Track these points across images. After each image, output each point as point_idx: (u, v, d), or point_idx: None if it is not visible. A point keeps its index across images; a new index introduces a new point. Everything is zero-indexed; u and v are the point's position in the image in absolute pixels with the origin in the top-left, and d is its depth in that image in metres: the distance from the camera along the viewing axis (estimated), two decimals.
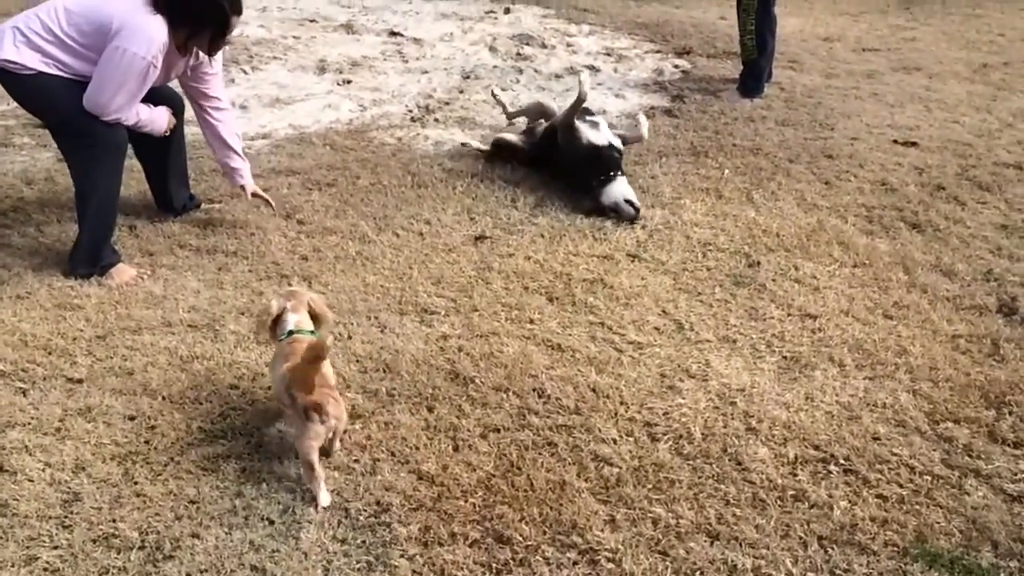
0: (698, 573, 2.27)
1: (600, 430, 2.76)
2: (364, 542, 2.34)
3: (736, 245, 3.99)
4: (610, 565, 2.28)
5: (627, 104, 6.08)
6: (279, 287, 3.48)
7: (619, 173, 4.33)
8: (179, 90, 3.88)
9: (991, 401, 2.94)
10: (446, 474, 2.57)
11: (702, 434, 2.76)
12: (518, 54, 7.27)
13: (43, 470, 2.55)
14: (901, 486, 2.57)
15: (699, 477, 2.59)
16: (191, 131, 4.65)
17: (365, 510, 2.44)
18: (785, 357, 3.18)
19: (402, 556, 2.29)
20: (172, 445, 2.66)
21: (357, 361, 3.09)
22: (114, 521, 2.38)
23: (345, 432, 2.69)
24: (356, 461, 2.62)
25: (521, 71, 6.80)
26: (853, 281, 3.71)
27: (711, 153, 5.09)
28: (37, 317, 3.30)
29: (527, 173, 4.72)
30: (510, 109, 5.42)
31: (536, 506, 2.46)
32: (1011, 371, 3.10)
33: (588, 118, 4.60)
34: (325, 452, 2.60)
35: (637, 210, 4.18)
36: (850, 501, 2.51)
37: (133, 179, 4.15)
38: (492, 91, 5.59)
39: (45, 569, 2.24)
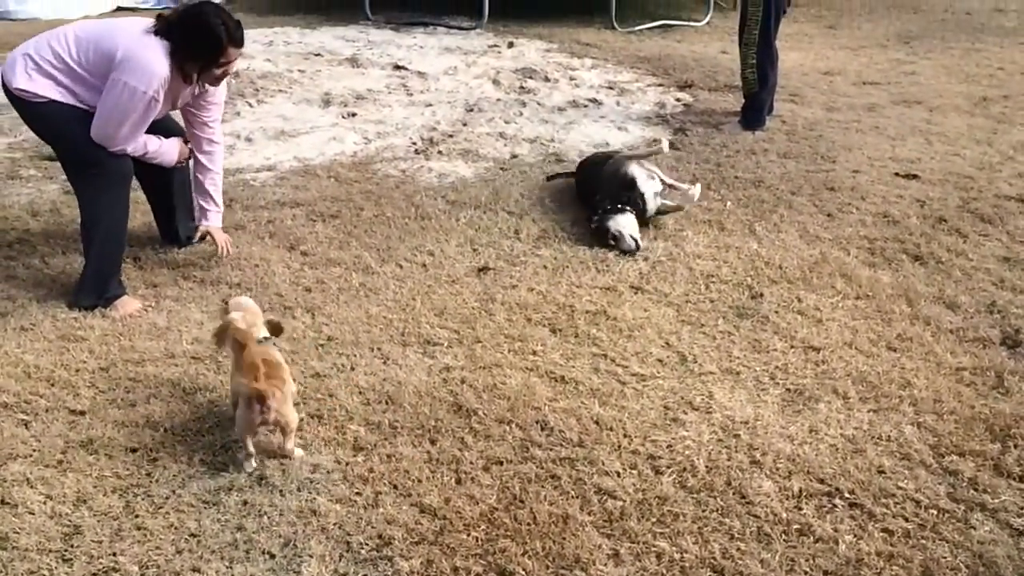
0: None
1: (603, 463, 2.75)
2: None
3: (739, 277, 4.00)
4: None
5: (629, 137, 6.12)
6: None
7: (633, 213, 4.36)
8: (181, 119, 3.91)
9: (996, 434, 2.93)
10: (448, 507, 2.56)
11: (706, 467, 2.75)
12: (521, 87, 7.33)
13: (44, 503, 2.54)
14: (907, 520, 2.55)
15: (703, 511, 2.57)
16: None
17: (367, 544, 2.43)
18: (789, 389, 3.18)
19: None
20: (174, 478, 2.65)
21: (360, 393, 3.08)
22: (114, 555, 2.37)
23: (347, 465, 2.68)
24: (358, 494, 2.61)
25: (524, 104, 6.85)
26: (856, 313, 3.70)
27: (713, 185, 5.12)
28: (41, 349, 3.31)
29: (530, 204, 4.74)
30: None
31: (539, 540, 2.44)
32: (1016, 404, 3.09)
33: (648, 167, 4.67)
34: (282, 453, 2.71)
35: (638, 247, 4.20)
36: (855, 535, 2.49)
37: (138, 211, 4.17)
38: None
39: None
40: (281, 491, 2.60)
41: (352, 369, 3.23)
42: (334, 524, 2.48)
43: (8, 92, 3.44)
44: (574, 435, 2.88)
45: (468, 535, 2.46)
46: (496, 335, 3.48)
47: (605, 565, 2.36)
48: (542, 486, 2.65)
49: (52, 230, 4.28)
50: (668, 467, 2.74)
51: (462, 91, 7.19)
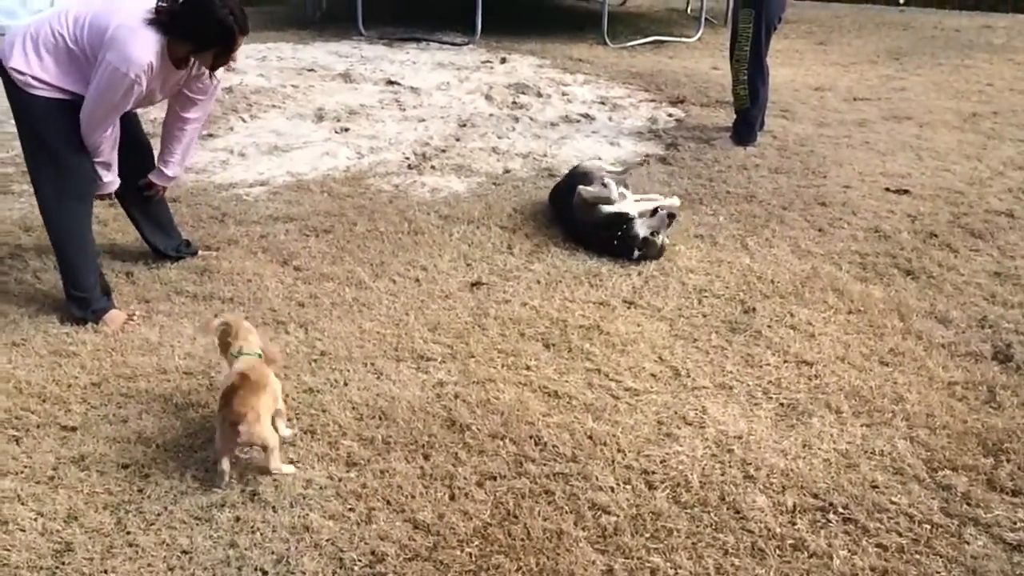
0: None
1: (597, 478, 2.75)
2: None
3: (731, 292, 4.01)
4: None
5: (622, 151, 6.14)
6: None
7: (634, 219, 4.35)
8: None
9: (989, 448, 2.93)
10: (442, 523, 2.55)
11: (700, 482, 2.75)
12: (514, 103, 7.36)
13: (35, 519, 2.52)
14: (900, 535, 2.55)
15: (697, 526, 2.57)
16: (191, 177, 4.68)
17: (360, 560, 2.41)
18: (782, 404, 3.18)
19: None
20: (166, 494, 2.63)
21: (353, 408, 3.07)
22: (106, 572, 2.35)
23: (340, 481, 2.67)
24: (351, 510, 2.59)
25: (517, 119, 6.88)
26: (848, 328, 3.72)
27: (705, 200, 5.14)
28: (32, 364, 3.29)
29: (523, 219, 4.75)
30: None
31: (533, 556, 2.43)
32: (1008, 418, 3.10)
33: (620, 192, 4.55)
34: (266, 471, 2.69)
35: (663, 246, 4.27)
36: (849, 550, 2.49)
37: (130, 226, 4.16)
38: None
39: None
40: (274, 507, 2.59)
41: (345, 384, 3.22)
42: (327, 540, 2.47)
43: (2, 69, 3.38)
44: (568, 450, 2.88)
45: (462, 551, 2.45)
46: (489, 350, 3.48)
47: None
48: (536, 501, 2.65)
49: (44, 245, 4.25)
50: (662, 482, 2.74)
51: (455, 106, 7.21)
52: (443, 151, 6.02)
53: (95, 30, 3.30)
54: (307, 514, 2.56)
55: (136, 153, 3.81)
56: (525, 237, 4.55)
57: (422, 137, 6.33)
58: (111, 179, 3.62)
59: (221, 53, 3.42)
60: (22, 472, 2.71)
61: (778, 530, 2.55)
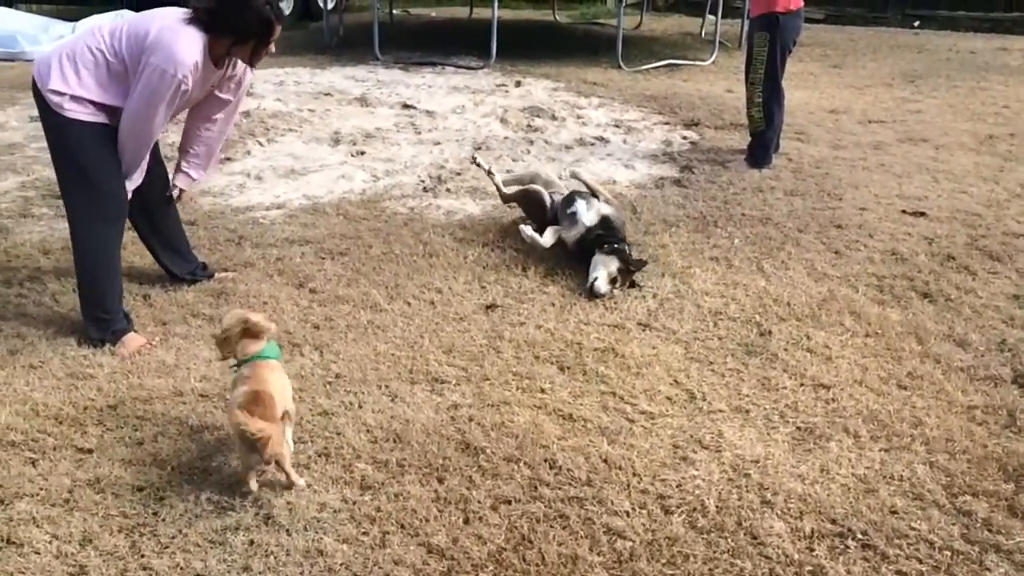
0: None
1: (613, 502, 2.73)
2: None
3: (747, 314, 3.99)
4: None
5: (636, 174, 6.15)
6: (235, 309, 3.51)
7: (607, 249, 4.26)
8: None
9: (1009, 474, 2.89)
10: (456, 547, 2.53)
11: (716, 507, 2.72)
12: (529, 126, 7.40)
13: (50, 542, 2.52)
14: (921, 562, 2.51)
15: (714, 551, 2.54)
16: (208, 200, 4.71)
17: None
18: (799, 428, 3.15)
19: None
20: (180, 517, 2.63)
21: (367, 431, 3.07)
22: None
23: (355, 504, 2.67)
24: (365, 533, 2.58)
25: (532, 142, 6.91)
26: (865, 351, 3.69)
27: (720, 223, 5.13)
28: (49, 386, 3.31)
29: None
30: (501, 182, 5.06)
31: None
32: None
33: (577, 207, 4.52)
34: (284, 486, 2.73)
35: (598, 294, 4.12)
36: None
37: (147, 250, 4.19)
38: (473, 158, 5.37)
39: None
40: (288, 531, 2.59)
41: (360, 407, 3.22)
42: (341, 564, 2.46)
43: (38, 93, 3.42)
44: (583, 474, 2.86)
45: None
46: (504, 373, 3.47)
47: None
48: (551, 526, 2.63)
49: (64, 268, 4.30)
50: (678, 507, 2.72)
51: (470, 129, 7.25)
52: (458, 174, 6.05)
53: (133, 39, 3.34)
54: (321, 538, 2.55)
55: (153, 177, 3.84)
56: (539, 259, 4.55)
57: (437, 160, 6.37)
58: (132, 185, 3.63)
59: (260, 44, 3.48)
60: (38, 495, 2.72)
61: (796, 556, 2.52)
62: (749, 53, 6.17)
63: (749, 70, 6.14)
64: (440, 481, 2.82)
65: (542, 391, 3.35)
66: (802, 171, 6.17)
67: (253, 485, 2.68)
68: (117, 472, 2.82)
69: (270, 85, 8.46)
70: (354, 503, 2.70)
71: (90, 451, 2.93)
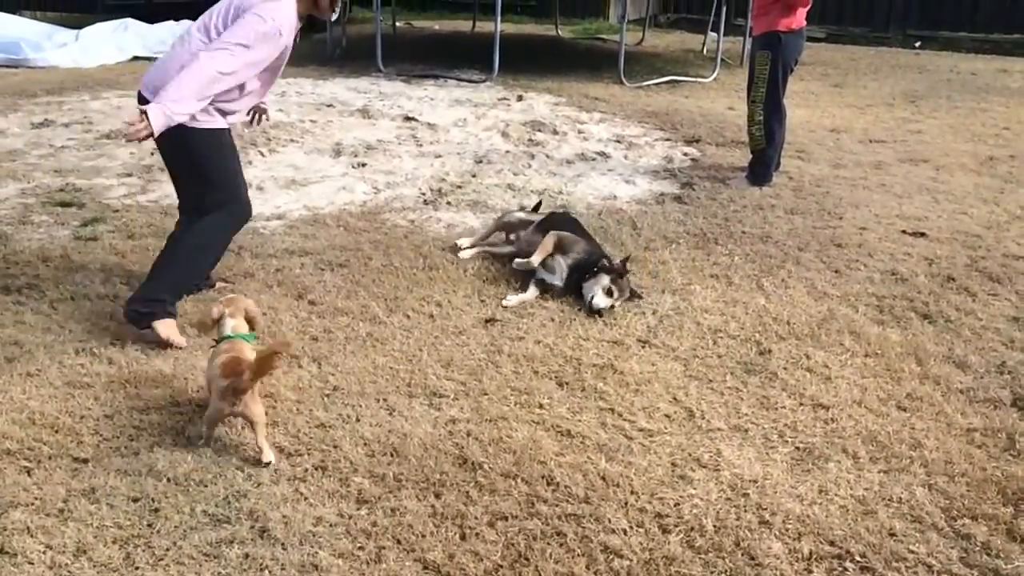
0: None
1: (610, 520, 2.71)
2: None
3: (747, 332, 3.99)
4: None
5: (637, 190, 6.16)
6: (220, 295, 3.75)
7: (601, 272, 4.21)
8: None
9: (1008, 497, 2.88)
10: (452, 563, 2.52)
11: (714, 526, 2.71)
12: (530, 140, 7.41)
13: (44, 552, 2.51)
14: None
15: (711, 572, 2.53)
16: None
17: None
18: (798, 448, 3.14)
19: None
20: (175, 529, 2.62)
21: (365, 444, 3.06)
22: None
23: (351, 518, 2.65)
24: (361, 548, 2.57)
25: (533, 156, 6.92)
26: (865, 371, 3.68)
27: (721, 240, 5.13)
28: (46, 395, 3.30)
29: None
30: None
31: None
32: None
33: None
34: (258, 454, 2.90)
35: (599, 309, 4.11)
36: None
37: (149, 258, 4.18)
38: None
39: None
40: (283, 544, 2.57)
41: (357, 420, 3.21)
42: None
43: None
44: (580, 491, 2.85)
45: None
46: (502, 387, 3.46)
47: None
48: (548, 543, 2.61)
49: (62, 276, 4.30)
50: (676, 526, 2.70)
51: (471, 143, 7.27)
52: (459, 187, 6.06)
53: (224, 16, 3.42)
54: (316, 552, 2.54)
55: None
56: None
57: (438, 173, 6.38)
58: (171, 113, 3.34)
59: None
60: (32, 504, 2.70)
61: None
62: (751, 72, 6.19)
63: (751, 88, 6.15)
64: (437, 496, 2.80)
65: (540, 407, 3.34)
66: (803, 189, 6.18)
67: (208, 433, 2.95)
68: (112, 482, 2.80)
69: (273, 96, 8.46)
70: (350, 517, 2.69)
71: (86, 461, 2.92)
